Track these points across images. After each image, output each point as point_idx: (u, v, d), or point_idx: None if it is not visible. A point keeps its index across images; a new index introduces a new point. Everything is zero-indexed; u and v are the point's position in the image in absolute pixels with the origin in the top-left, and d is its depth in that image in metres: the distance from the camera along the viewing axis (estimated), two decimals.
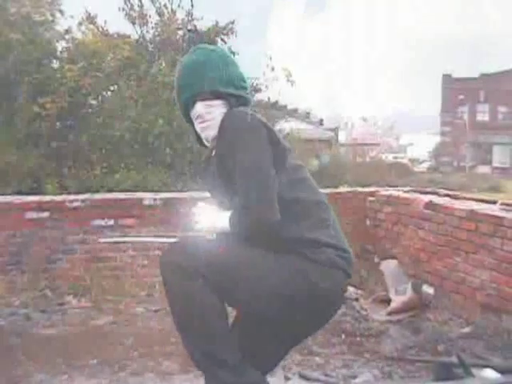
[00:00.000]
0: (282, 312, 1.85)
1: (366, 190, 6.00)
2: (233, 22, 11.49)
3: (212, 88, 1.96)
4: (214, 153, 2.01)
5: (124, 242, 4.72)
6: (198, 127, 2.01)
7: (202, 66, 1.98)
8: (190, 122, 2.06)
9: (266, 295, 1.83)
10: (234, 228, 1.85)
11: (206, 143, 2.04)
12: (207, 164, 2.10)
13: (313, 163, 14.10)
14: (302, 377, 3.22)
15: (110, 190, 7.27)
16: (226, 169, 1.90)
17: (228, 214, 1.87)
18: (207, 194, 2.14)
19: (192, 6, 11.39)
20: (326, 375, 3.25)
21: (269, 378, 2.06)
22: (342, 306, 2.02)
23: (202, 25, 11.47)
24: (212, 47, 2.14)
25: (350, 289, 4.46)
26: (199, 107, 1.97)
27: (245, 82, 2.07)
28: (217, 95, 1.97)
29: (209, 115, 1.96)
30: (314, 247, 1.85)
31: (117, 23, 11.99)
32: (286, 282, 1.82)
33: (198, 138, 2.09)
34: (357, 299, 4.53)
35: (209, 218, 1.95)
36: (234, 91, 1.99)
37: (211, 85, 1.96)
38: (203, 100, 1.96)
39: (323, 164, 16.06)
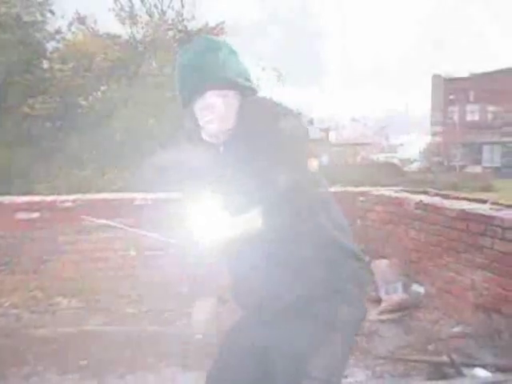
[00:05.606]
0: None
1: (357, 189, 6.01)
2: (223, 22, 11.53)
3: (230, 76, 1.70)
4: (223, 149, 1.75)
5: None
6: (203, 119, 1.71)
7: (218, 51, 1.72)
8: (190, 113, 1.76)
9: None
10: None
11: (207, 138, 1.75)
12: (215, 163, 1.77)
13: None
14: None
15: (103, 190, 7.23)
16: (251, 166, 1.63)
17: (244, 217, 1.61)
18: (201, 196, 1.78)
19: (182, 6, 11.42)
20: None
21: None
22: None
23: (193, 25, 11.48)
24: (220, 38, 1.95)
25: None
26: (210, 96, 1.69)
27: (250, 76, 1.82)
28: (231, 85, 1.71)
29: (221, 106, 1.69)
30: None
31: (107, 23, 11.96)
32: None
33: (194, 133, 1.78)
34: None
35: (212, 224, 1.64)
36: (246, 83, 1.75)
37: (229, 72, 1.70)
38: (215, 89, 1.69)
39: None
